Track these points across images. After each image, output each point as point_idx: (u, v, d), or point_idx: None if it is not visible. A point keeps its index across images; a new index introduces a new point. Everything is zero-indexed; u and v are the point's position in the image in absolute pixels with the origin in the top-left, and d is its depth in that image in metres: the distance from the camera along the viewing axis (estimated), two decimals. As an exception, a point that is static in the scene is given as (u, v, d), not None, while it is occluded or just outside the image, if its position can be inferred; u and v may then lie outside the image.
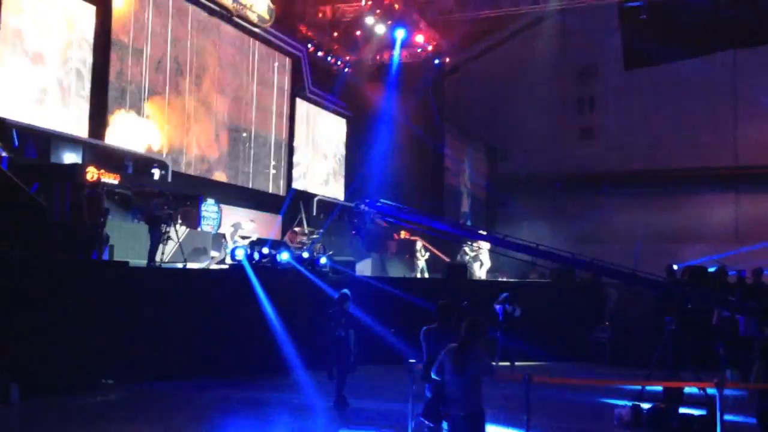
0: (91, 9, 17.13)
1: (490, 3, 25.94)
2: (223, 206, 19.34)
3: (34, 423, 9.44)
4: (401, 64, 27.67)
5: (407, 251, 22.00)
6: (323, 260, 16.40)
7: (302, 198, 23.34)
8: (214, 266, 15.97)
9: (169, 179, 17.77)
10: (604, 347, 17.66)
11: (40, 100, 15.89)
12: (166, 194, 14.10)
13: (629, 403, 10.25)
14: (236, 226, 16.74)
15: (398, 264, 22.15)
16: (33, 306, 10.53)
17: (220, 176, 21.39)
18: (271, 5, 22.75)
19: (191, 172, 20.04)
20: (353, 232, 15.07)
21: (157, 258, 13.71)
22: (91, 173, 13.94)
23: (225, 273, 14.74)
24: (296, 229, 19.08)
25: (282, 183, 24.41)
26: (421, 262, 20.97)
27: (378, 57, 28.31)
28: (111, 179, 14.89)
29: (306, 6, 25.36)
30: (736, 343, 13.60)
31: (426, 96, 28.04)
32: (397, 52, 27.29)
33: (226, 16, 21.27)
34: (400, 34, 25.50)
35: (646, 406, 10.17)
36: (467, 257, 21.00)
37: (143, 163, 17.43)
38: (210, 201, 18.58)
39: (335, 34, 25.91)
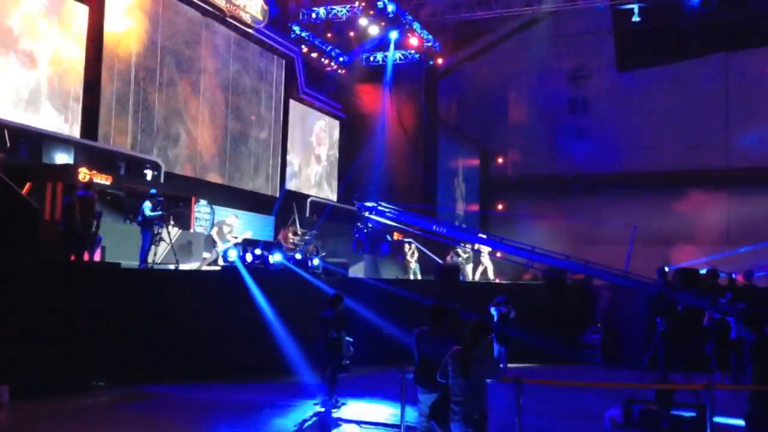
0: (84, 9, 17.09)
1: (483, 5, 26.00)
2: (215, 207, 19.30)
3: (21, 425, 9.40)
4: (395, 65, 27.71)
5: (400, 253, 22.01)
6: (316, 261, 16.41)
7: (295, 199, 23.34)
8: (206, 267, 15.96)
9: (162, 180, 17.74)
10: (596, 348, 17.74)
11: (32, 100, 15.83)
12: (158, 195, 14.05)
13: (620, 405, 10.29)
14: (220, 224, 16.72)
15: (391, 265, 22.16)
16: (24, 307, 10.50)
17: (213, 177, 21.36)
18: (265, 6, 22.74)
19: (184, 173, 20.00)
20: (357, 247, 15.11)
21: (149, 259, 13.69)
22: (83, 174, 13.92)
23: (217, 274, 14.73)
24: (289, 228, 19.06)
25: (275, 184, 24.39)
26: (413, 264, 20.98)
27: (371, 58, 28.35)
28: (103, 180, 14.86)
29: (299, 7, 25.37)
30: (726, 345, 13.70)
31: (419, 97, 28.06)
32: (390, 53, 27.32)
33: (219, 16, 21.24)
34: (393, 35, 25.53)
35: (637, 407, 10.21)
36: (460, 259, 21.01)
37: (136, 163, 17.39)
38: (203, 202, 18.55)
39: (329, 35, 25.93)
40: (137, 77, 18.41)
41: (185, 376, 12.36)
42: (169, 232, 14.34)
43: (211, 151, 21.39)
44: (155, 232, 13.80)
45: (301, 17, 25.28)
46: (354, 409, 10.86)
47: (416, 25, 25.79)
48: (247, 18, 22.10)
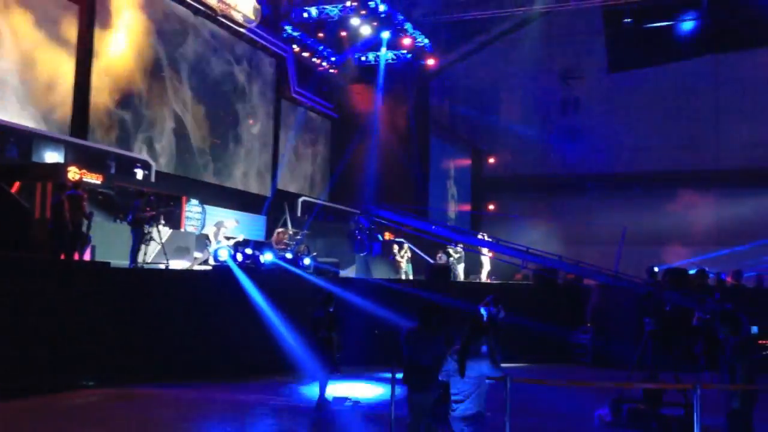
0: (74, 8, 17.03)
1: (475, 5, 26.04)
2: (207, 207, 19.27)
3: (10, 424, 9.34)
4: (386, 65, 27.73)
5: (391, 253, 22.02)
6: (307, 261, 16.40)
7: (286, 198, 23.34)
8: (197, 267, 15.92)
9: (153, 179, 17.70)
10: (586, 348, 17.78)
11: (21, 99, 15.76)
12: (148, 194, 14.02)
13: (609, 404, 10.33)
14: (219, 225, 16.68)
15: (382, 265, 22.16)
16: (14, 306, 10.46)
17: (203, 176, 21.33)
18: (257, 5, 22.72)
19: (175, 172, 19.96)
20: (359, 250, 15.10)
21: (140, 258, 13.65)
22: (73, 173, 13.88)
23: (208, 274, 14.71)
24: (280, 229, 19.02)
25: (266, 183, 24.36)
26: (404, 264, 20.99)
27: (363, 58, 28.36)
28: (93, 179, 14.82)
29: (291, 6, 25.36)
30: (715, 345, 13.74)
31: (411, 97, 28.09)
32: (382, 53, 27.35)
33: (211, 15, 21.21)
34: (385, 35, 25.54)
35: (626, 406, 10.25)
36: (451, 259, 21.02)
37: (126, 162, 17.35)
38: (194, 201, 18.51)
39: (320, 34, 25.92)
40: (128, 76, 18.35)
41: (176, 375, 12.32)
42: (159, 232, 14.30)
43: (202, 150, 21.35)
44: (145, 231, 13.76)
45: (292, 17, 25.27)
46: (344, 408, 10.85)
47: (408, 25, 25.82)
48: (238, 17, 22.08)
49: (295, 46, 25.44)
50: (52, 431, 9.11)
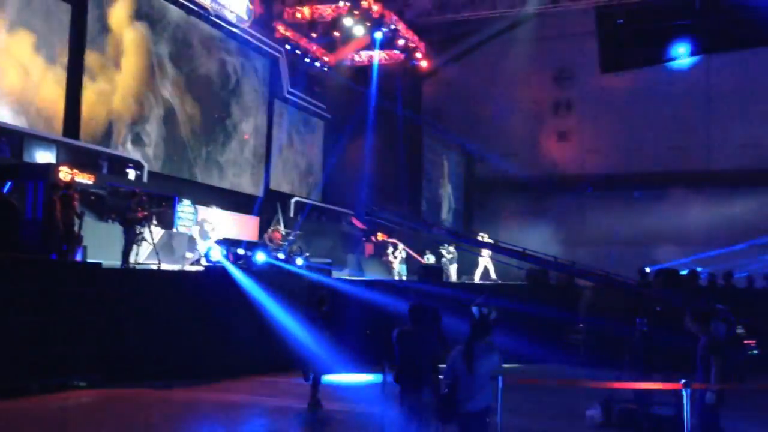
0: (67, 8, 16.97)
1: (468, 6, 26.09)
2: (199, 207, 19.24)
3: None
4: (379, 66, 27.73)
5: (383, 252, 22.06)
6: (300, 261, 16.39)
7: (279, 199, 23.33)
8: (188, 267, 15.89)
9: (145, 179, 17.66)
10: (578, 348, 17.81)
11: (12, 98, 15.70)
12: (140, 194, 13.99)
13: (600, 404, 10.36)
14: (201, 223, 16.67)
15: (375, 265, 22.20)
16: (3, 307, 10.42)
17: (196, 176, 21.28)
18: (249, 5, 22.70)
19: (167, 172, 19.92)
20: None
21: (132, 259, 13.62)
22: (65, 173, 13.84)
23: (200, 274, 14.67)
24: (272, 229, 19.02)
25: (259, 184, 24.34)
26: (397, 264, 21.02)
27: (356, 59, 28.36)
28: (85, 179, 14.78)
29: (284, 6, 25.34)
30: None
31: (404, 98, 28.11)
32: (375, 54, 27.37)
33: (203, 15, 21.18)
34: (378, 36, 25.55)
35: (617, 406, 10.28)
36: (444, 259, 21.08)
37: (118, 162, 17.30)
38: (186, 202, 18.48)
39: (313, 35, 25.91)
40: (120, 76, 18.31)
41: (167, 376, 12.29)
42: (151, 232, 14.27)
43: (195, 150, 21.31)
44: (137, 231, 13.72)
45: (285, 17, 25.26)
46: (336, 409, 10.86)
47: (401, 26, 25.82)
48: (231, 17, 22.05)
49: (287, 46, 25.42)
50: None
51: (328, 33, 26.29)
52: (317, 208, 26.23)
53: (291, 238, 18.90)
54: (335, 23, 25.47)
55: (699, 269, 18.87)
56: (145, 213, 13.92)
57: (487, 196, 33.74)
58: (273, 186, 25.04)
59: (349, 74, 28.82)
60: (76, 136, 16.88)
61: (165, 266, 14.53)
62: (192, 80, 21.12)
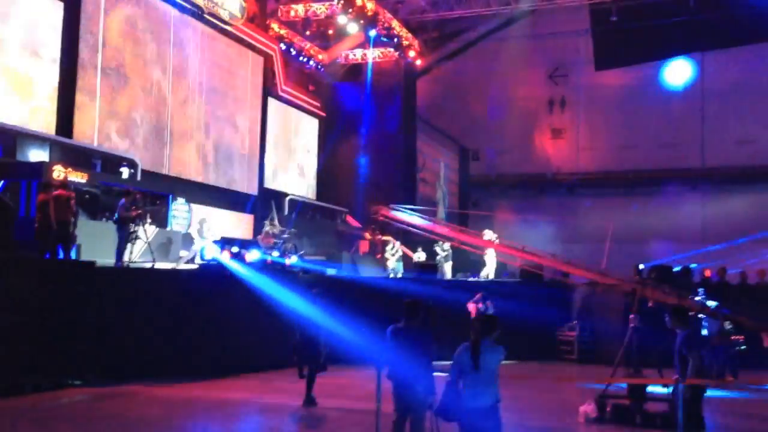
0: (59, 5, 16.91)
1: (462, 3, 26.10)
2: (193, 205, 19.21)
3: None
4: (374, 64, 27.73)
5: (378, 250, 22.05)
6: (294, 259, 16.41)
7: (273, 197, 23.31)
8: (183, 266, 15.87)
9: (139, 177, 17.62)
10: (573, 345, 17.88)
11: (5, 96, 15.64)
12: (134, 193, 13.95)
13: (594, 400, 10.40)
14: (201, 222, 16.65)
15: (369, 263, 22.20)
16: (-2, 305, 10.42)
17: (190, 175, 21.24)
18: (243, 3, 22.65)
19: (161, 170, 19.88)
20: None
21: (125, 257, 13.60)
22: (58, 171, 13.80)
23: (195, 272, 14.66)
24: (267, 228, 19.00)
25: (253, 182, 24.31)
26: (392, 262, 21.02)
27: (350, 56, 28.34)
28: (79, 177, 14.74)
29: (278, 4, 25.31)
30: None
31: (398, 96, 28.12)
32: (369, 52, 27.35)
33: (197, 13, 21.13)
34: (372, 33, 25.55)
35: (610, 402, 10.33)
36: (438, 257, 21.08)
37: (112, 161, 17.27)
38: (180, 200, 18.45)
39: (307, 33, 25.89)
40: (114, 73, 18.26)
41: (163, 374, 12.30)
42: (145, 231, 14.25)
43: (189, 148, 21.28)
44: (131, 230, 13.69)
45: (279, 15, 25.22)
46: (330, 406, 10.87)
47: (395, 23, 25.82)
48: (225, 15, 22.00)
49: (281, 44, 25.40)
50: (38, 431, 9.06)
51: (322, 31, 26.29)
52: (311, 206, 26.24)
53: (285, 236, 18.89)
54: (329, 21, 25.46)
55: (693, 266, 18.97)
56: (139, 211, 13.88)
57: (481, 194, 33.80)
58: (267, 184, 25.02)
59: (343, 72, 28.80)
60: (70, 135, 16.82)
61: (159, 265, 14.50)
62: (185, 78, 21.07)
